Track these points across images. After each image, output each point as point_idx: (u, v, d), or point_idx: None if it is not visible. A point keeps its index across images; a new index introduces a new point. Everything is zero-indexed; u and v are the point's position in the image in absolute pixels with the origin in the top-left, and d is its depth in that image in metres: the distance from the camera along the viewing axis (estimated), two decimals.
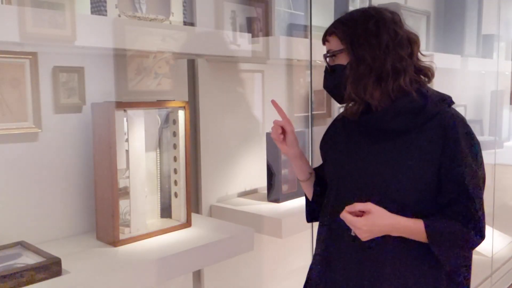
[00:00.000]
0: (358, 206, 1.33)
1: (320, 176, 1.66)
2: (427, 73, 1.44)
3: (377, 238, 1.36)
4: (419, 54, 1.45)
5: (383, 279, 1.40)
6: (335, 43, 1.44)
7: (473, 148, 1.37)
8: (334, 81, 1.46)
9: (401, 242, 1.37)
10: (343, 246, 1.46)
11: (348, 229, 1.36)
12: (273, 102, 1.60)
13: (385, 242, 1.38)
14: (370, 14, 1.40)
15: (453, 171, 1.34)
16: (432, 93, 1.41)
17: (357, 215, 1.33)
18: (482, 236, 1.37)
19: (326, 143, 1.61)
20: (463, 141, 1.35)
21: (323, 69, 1.53)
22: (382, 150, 1.40)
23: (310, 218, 1.72)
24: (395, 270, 1.39)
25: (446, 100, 1.42)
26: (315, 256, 1.59)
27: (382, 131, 1.41)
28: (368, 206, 1.32)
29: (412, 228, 1.34)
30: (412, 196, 1.37)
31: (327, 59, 1.48)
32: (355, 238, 1.36)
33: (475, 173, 1.36)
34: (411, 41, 1.42)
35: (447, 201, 1.35)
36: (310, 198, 1.69)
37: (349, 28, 1.40)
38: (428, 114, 1.37)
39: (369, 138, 1.44)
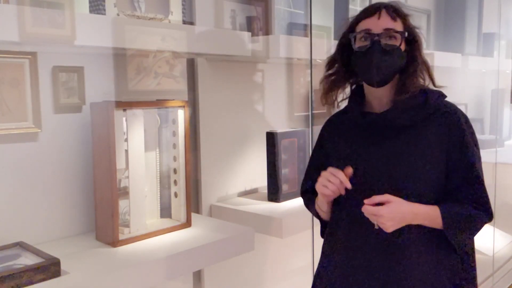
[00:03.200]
0: (377, 198, 1.37)
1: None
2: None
3: (402, 231, 1.39)
4: None
5: (409, 269, 1.42)
6: (400, 26, 1.45)
7: (473, 135, 1.46)
8: (388, 62, 1.43)
9: (422, 232, 1.42)
10: (367, 247, 1.46)
11: (372, 225, 1.38)
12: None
13: (410, 232, 1.41)
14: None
15: (461, 157, 1.42)
16: (429, 89, 1.50)
17: None
18: (491, 216, 1.44)
19: (327, 149, 1.61)
20: (465, 127, 1.44)
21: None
22: (393, 146, 1.45)
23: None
24: (419, 259, 1.42)
25: (441, 93, 1.51)
26: (324, 269, 1.58)
27: (389, 129, 1.46)
28: (387, 196, 1.37)
29: (430, 214, 1.39)
30: (426, 186, 1.42)
31: (383, 34, 1.43)
32: (380, 231, 1.38)
33: (478, 156, 1.45)
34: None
35: (457, 186, 1.42)
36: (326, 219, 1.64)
37: (408, 22, 1.47)
38: (430, 108, 1.45)
39: (379, 136, 1.47)
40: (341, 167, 1.51)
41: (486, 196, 1.43)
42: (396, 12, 1.45)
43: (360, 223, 1.44)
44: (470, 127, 1.47)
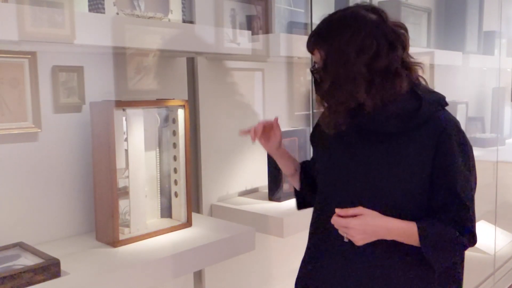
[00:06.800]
0: (350, 210, 1.32)
1: (307, 169, 1.66)
2: (416, 69, 1.40)
3: (374, 244, 1.34)
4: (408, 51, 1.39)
5: (373, 282, 1.38)
6: (319, 57, 1.39)
7: (465, 153, 1.35)
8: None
9: (391, 244, 1.35)
10: (333, 251, 1.44)
11: (341, 237, 1.35)
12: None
13: (375, 245, 1.35)
14: (347, 24, 1.33)
15: (445, 178, 1.33)
16: (427, 95, 1.37)
17: None
18: (474, 241, 1.36)
19: (316, 141, 1.58)
20: (456, 147, 1.33)
21: None
22: (374, 153, 1.37)
23: (301, 206, 1.72)
24: (386, 272, 1.37)
25: (441, 102, 1.39)
26: (307, 251, 1.58)
27: (374, 133, 1.37)
28: (359, 209, 1.32)
29: (406, 230, 1.32)
30: (404, 200, 1.35)
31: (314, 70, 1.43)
32: (349, 243, 1.34)
33: (467, 178, 1.35)
34: (395, 43, 1.34)
35: (440, 206, 1.34)
36: (297, 188, 1.70)
37: (327, 44, 1.35)
38: (421, 118, 1.33)
39: (361, 140, 1.39)
40: (323, 172, 1.51)
41: (471, 220, 1.34)
42: (309, 48, 1.41)
43: (329, 233, 1.41)
44: (463, 143, 1.35)
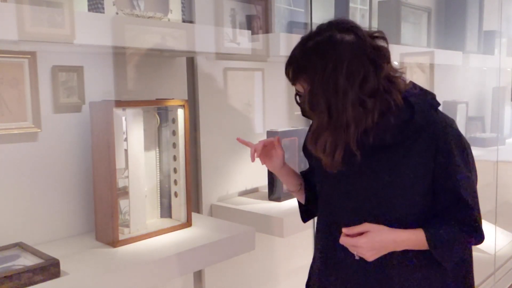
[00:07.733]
0: (356, 228, 1.32)
1: (309, 180, 1.63)
2: (399, 77, 1.36)
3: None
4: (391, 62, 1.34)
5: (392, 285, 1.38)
6: (301, 87, 1.36)
7: (464, 152, 1.35)
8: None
9: (404, 251, 1.36)
10: (342, 265, 1.43)
11: (351, 255, 1.35)
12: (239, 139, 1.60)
13: (388, 256, 1.35)
14: (326, 53, 1.27)
15: (447, 181, 1.32)
16: (418, 100, 1.35)
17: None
18: (481, 239, 1.37)
19: (311, 155, 1.51)
20: (454, 149, 1.32)
21: None
22: (374, 165, 1.36)
23: (306, 218, 1.70)
24: (403, 278, 1.38)
25: (433, 104, 1.37)
26: (314, 258, 1.58)
27: (372, 147, 1.33)
28: (365, 226, 1.32)
29: (413, 239, 1.33)
30: (408, 208, 1.35)
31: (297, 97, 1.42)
32: (361, 260, 1.34)
33: (469, 179, 1.35)
34: (379, 60, 1.29)
35: (444, 209, 1.34)
36: (302, 202, 1.66)
37: (309, 77, 1.30)
38: (416, 126, 1.32)
39: (359, 154, 1.33)
40: (323, 190, 1.51)
41: (475, 220, 1.34)
42: (291, 80, 1.38)
43: (338, 250, 1.41)
44: (461, 144, 1.34)
